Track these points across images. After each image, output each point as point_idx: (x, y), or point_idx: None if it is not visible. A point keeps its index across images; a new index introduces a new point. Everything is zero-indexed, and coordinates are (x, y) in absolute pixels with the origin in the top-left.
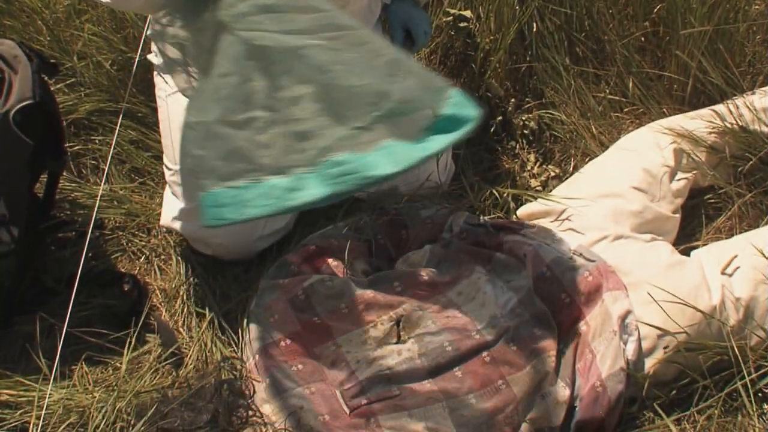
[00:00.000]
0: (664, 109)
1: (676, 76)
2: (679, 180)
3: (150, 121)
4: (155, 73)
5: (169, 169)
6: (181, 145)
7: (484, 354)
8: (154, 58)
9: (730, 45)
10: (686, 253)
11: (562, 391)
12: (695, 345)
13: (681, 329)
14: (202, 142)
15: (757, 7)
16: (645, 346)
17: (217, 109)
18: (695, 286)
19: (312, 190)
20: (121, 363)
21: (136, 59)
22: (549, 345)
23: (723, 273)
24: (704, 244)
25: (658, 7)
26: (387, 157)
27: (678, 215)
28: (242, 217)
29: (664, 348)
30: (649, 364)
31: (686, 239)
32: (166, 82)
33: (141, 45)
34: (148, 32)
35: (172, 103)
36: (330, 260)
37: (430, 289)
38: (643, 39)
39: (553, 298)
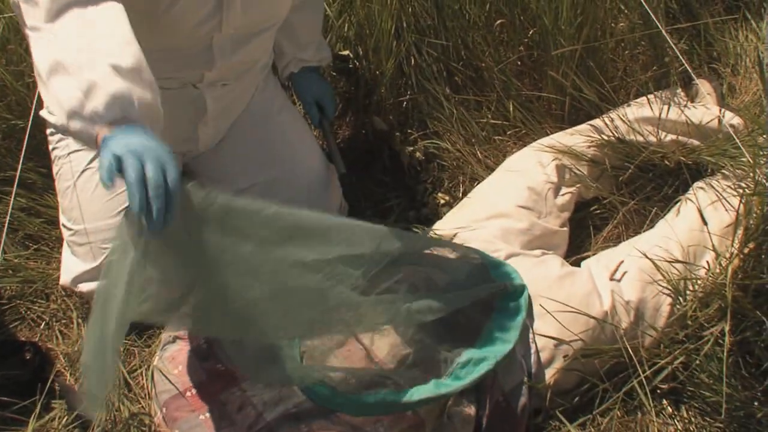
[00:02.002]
0: (546, 129)
1: (553, 95)
2: (563, 195)
3: (39, 186)
4: (50, 131)
5: (69, 229)
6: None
7: (389, 382)
8: (50, 116)
9: (601, 62)
10: (577, 264)
11: (467, 410)
12: (591, 351)
13: (576, 337)
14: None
15: (622, 24)
16: (544, 357)
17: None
18: (586, 294)
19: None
20: None
21: (28, 126)
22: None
23: (612, 279)
24: (594, 254)
25: (531, 31)
26: None
27: (566, 228)
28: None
29: (564, 357)
30: (550, 374)
31: (576, 251)
32: (65, 139)
33: (32, 114)
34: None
35: (74, 159)
36: None
37: None
38: (519, 63)
39: (451, 318)
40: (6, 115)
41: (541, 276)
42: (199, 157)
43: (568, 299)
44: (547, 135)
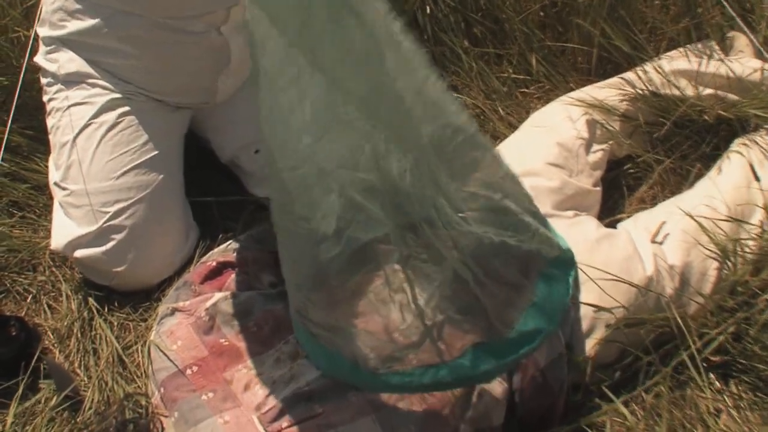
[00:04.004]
0: (571, 84)
1: (580, 46)
2: (595, 152)
3: (25, 150)
4: (47, 80)
5: (64, 189)
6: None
7: (410, 356)
8: (47, 62)
9: (630, 11)
10: (611, 226)
11: (498, 388)
12: (635, 320)
13: (618, 304)
14: None
15: None
16: (583, 327)
17: None
18: (627, 257)
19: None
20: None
21: (18, 86)
22: (477, 336)
23: (653, 241)
24: (629, 216)
25: None
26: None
27: (599, 188)
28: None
29: (605, 327)
30: (589, 345)
31: (609, 212)
32: (64, 90)
33: (23, 71)
34: (41, 31)
35: (75, 113)
36: (234, 275)
37: None
38: (542, 14)
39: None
40: None
41: (577, 239)
42: (208, 109)
43: (607, 264)
44: (573, 90)
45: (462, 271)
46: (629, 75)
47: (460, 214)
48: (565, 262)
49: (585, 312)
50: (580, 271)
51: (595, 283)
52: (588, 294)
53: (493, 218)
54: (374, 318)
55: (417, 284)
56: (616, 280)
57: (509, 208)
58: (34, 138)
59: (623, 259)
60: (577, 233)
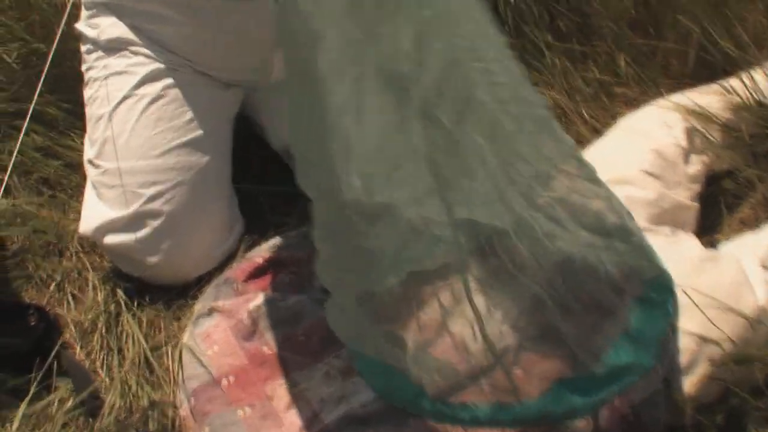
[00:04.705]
0: (662, 89)
1: (676, 46)
2: (694, 163)
3: (61, 125)
4: (86, 47)
5: (97, 167)
6: None
7: (482, 382)
8: (88, 28)
9: (736, 10)
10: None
11: (581, 424)
12: (743, 356)
13: (725, 336)
14: None
15: None
16: (683, 361)
17: None
18: (736, 283)
19: None
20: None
21: (51, 52)
22: (560, 367)
23: (765, 267)
24: (727, 239)
25: None
26: None
27: (696, 204)
28: None
29: (709, 361)
30: (690, 382)
31: (706, 233)
32: (104, 57)
33: (58, 37)
34: None
35: (114, 83)
36: (282, 275)
37: None
38: (633, 11)
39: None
40: (26, 37)
41: (678, 258)
42: (262, 90)
43: (712, 289)
44: (663, 96)
45: (541, 293)
46: (732, 81)
47: (545, 227)
48: (664, 285)
49: (686, 343)
50: (680, 295)
51: (700, 309)
52: (689, 322)
53: (586, 230)
54: (440, 338)
55: (486, 307)
56: (725, 309)
57: (606, 217)
58: (72, 112)
59: (731, 284)
60: (678, 252)
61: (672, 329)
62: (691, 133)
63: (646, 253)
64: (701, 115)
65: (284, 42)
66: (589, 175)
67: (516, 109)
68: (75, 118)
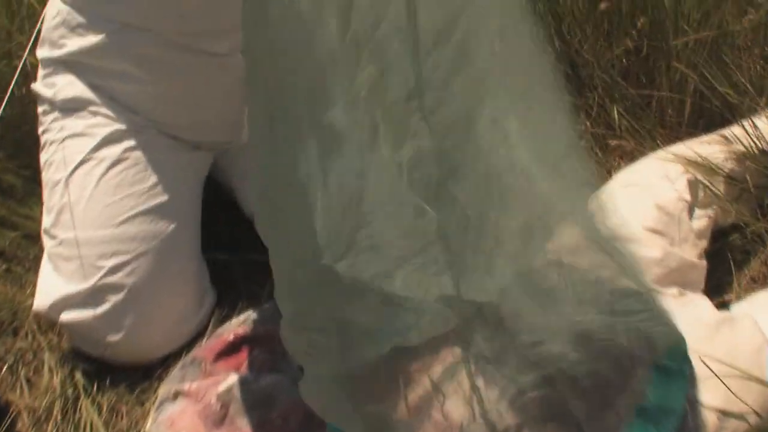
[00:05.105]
0: (658, 141)
1: (671, 94)
2: (699, 218)
3: (19, 193)
4: (42, 108)
5: (53, 237)
6: None
7: None
8: (44, 87)
9: (735, 55)
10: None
11: None
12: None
13: (749, 409)
14: None
15: (751, 17)
16: None
17: None
18: (756, 348)
19: None
20: None
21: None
22: None
23: None
24: (738, 298)
25: (641, 20)
26: None
27: (704, 262)
28: None
29: None
30: None
31: (714, 292)
32: (60, 119)
33: (6, 99)
34: (39, 53)
35: (70, 146)
36: (255, 353)
37: None
38: (624, 60)
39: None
40: None
41: (691, 322)
42: (232, 152)
43: (732, 356)
44: (660, 147)
45: (547, 367)
46: (734, 129)
47: (550, 294)
48: (680, 352)
49: (706, 418)
50: (696, 364)
51: (721, 380)
52: (708, 394)
53: (596, 295)
54: (431, 419)
55: (482, 381)
56: (746, 378)
57: (619, 281)
58: (32, 179)
59: (751, 349)
60: (689, 315)
61: (690, 403)
62: (694, 185)
63: (662, 319)
64: (703, 166)
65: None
66: (599, 234)
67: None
68: (35, 186)
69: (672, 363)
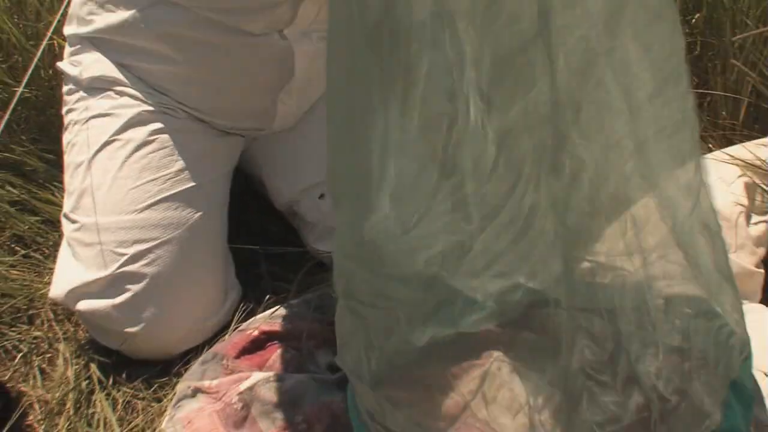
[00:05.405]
0: (710, 144)
1: (725, 93)
2: (756, 224)
3: (41, 177)
4: (67, 87)
5: (73, 222)
6: None
7: None
8: (70, 66)
9: None
10: None
11: None
12: None
13: None
14: None
15: None
16: None
17: None
18: None
19: None
20: None
21: (18, 91)
22: None
23: None
24: None
25: (695, 16)
26: None
27: (762, 270)
28: None
29: None
30: None
31: None
32: (86, 99)
33: (27, 76)
34: (67, 30)
35: (95, 127)
36: (280, 351)
37: None
38: None
39: None
40: (8, 81)
41: (752, 334)
42: (264, 139)
43: None
44: (712, 151)
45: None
46: None
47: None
48: (749, 369)
49: None
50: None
51: None
52: None
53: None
54: (468, 425)
55: (528, 381)
56: None
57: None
58: (55, 164)
59: None
60: (751, 327)
61: (757, 426)
62: (751, 189)
63: (743, 336)
64: (762, 169)
65: None
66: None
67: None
68: (58, 170)
69: (745, 381)
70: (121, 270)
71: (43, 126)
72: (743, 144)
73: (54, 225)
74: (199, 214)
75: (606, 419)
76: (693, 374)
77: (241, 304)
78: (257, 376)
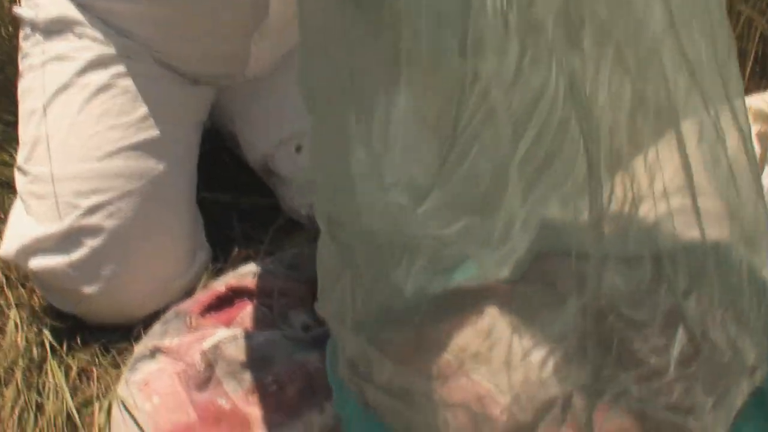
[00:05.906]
0: None
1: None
2: None
3: None
4: (24, 32)
5: (26, 174)
6: None
7: None
8: (26, 9)
9: None
10: None
11: None
12: None
13: None
14: None
15: None
16: None
17: None
18: None
19: None
20: None
21: None
22: None
23: None
24: None
25: None
26: None
27: None
28: None
29: None
30: None
31: None
32: (43, 43)
33: None
34: None
35: (50, 71)
36: (249, 308)
37: None
38: None
39: None
40: None
41: None
42: (236, 89)
43: None
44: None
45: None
46: None
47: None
48: None
49: None
50: None
51: None
52: None
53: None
54: (461, 383)
55: (530, 337)
56: None
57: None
58: (12, 125)
59: None
60: None
61: None
62: (764, 139)
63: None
64: None
65: None
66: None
67: None
68: (16, 131)
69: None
70: (77, 223)
71: (2, 85)
72: (753, 95)
73: (12, 188)
74: (163, 164)
75: (644, 373)
76: (742, 323)
77: (210, 264)
78: (222, 333)
